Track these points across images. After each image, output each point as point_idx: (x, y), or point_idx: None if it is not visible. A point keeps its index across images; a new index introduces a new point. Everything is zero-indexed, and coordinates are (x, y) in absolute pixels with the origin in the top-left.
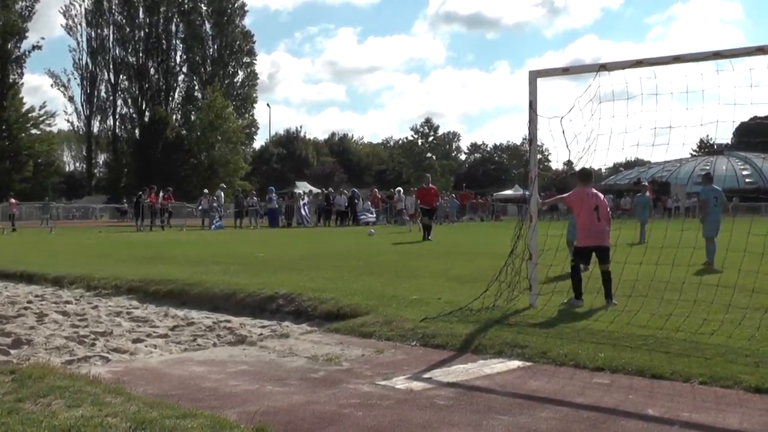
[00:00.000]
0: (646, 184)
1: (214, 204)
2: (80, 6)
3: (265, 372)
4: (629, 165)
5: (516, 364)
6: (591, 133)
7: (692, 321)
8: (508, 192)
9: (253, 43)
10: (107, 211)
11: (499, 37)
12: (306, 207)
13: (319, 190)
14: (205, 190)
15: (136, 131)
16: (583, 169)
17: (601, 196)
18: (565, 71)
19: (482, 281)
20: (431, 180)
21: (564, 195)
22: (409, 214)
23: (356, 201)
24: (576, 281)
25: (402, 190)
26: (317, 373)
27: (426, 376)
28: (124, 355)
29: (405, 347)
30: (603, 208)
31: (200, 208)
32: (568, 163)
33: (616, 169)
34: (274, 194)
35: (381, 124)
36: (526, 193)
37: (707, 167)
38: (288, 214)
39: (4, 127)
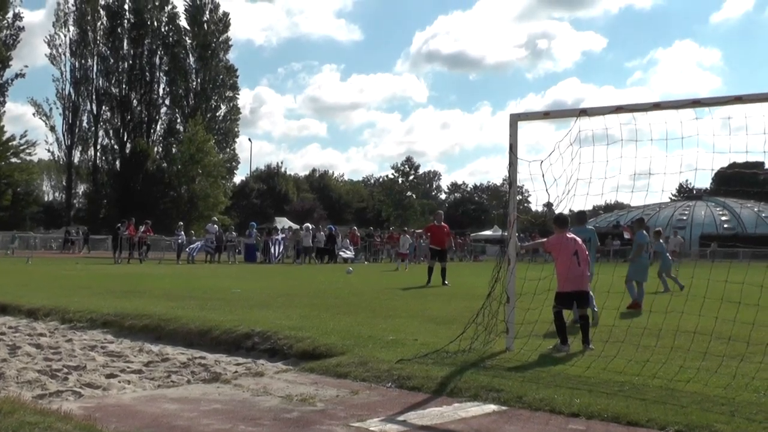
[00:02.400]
0: (625, 226)
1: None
2: (65, 36)
3: (239, 411)
4: (609, 208)
5: (491, 408)
6: (571, 176)
7: (669, 368)
8: (488, 232)
9: (237, 77)
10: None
11: (481, 77)
12: (281, 243)
13: (299, 226)
14: (180, 223)
15: (117, 162)
16: (560, 215)
17: (579, 240)
18: (546, 115)
19: (459, 323)
20: (441, 218)
21: (543, 240)
22: (401, 254)
23: (335, 238)
24: (560, 326)
25: (407, 231)
26: (291, 413)
27: (400, 418)
28: (96, 391)
29: (380, 389)
30: (582, 253)
31: (181, 241)
32: (548, 205)
33: (595, 212)
34: (254, 230)
35: (362, 162)
36: (505, 234)
37: (686, 212)
38: (266, 250)
39: None
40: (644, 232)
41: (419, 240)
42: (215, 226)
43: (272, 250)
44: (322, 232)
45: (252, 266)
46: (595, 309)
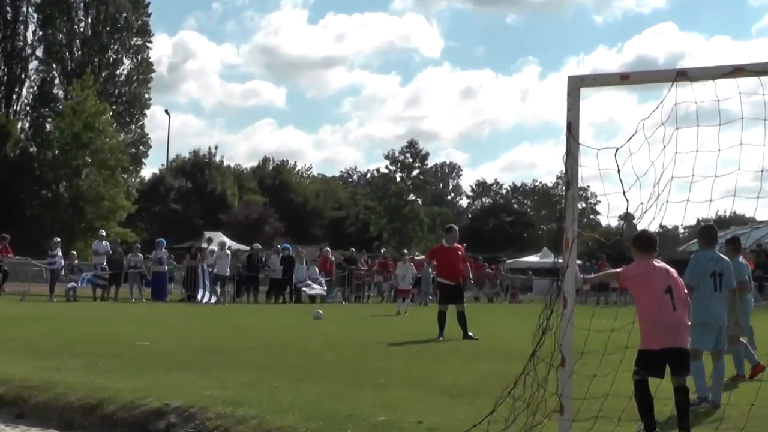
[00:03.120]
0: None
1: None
2: None
3: None
4: (721, 224)
5: None
6: (662, 174)
7: None
8: (532, 258)
9: (148, 15)
10: None
11: (524, 20)
12: (211, 272)
13: (240, 247)
14: (56, 239)
15: None
16: (644, 233)
17: (674, 272)
18: (624, 79)
19: (486, 396)
20: (453, 236)
21: (617, 270)
22: (400, 290)
23: (295, 264)
24: (643, 404)
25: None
26: None
27: None
28: None
29: None
30: (679, 290)
31: (56, 266)
32: (626, 217)
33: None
34: (164, 250)
35: (339, 148)
36: (559, 261)
37: None
38: (189, 282)
39: None
40: (742, 259)
41: (423, 269)
42: (104, 243)
43: (201, 282)
44: (276, 255)
45: (167, 306)
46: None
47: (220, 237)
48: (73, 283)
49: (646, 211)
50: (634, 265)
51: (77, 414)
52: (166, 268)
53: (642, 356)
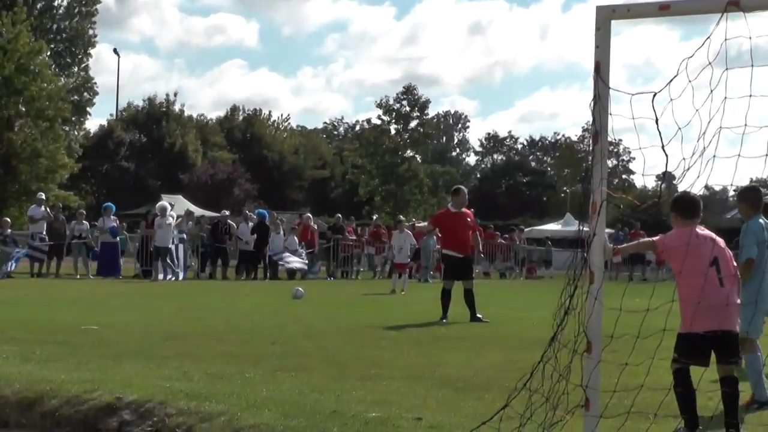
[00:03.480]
0: None
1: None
2: None
3: None
4: None
5: None
6: (708, 123)
7: None
8: (553, 226)
9: None
10: None
11: None
12: (181, 242)
13: (205, 213)
14: None
15: None
16: (685, 196)
17: (721, 242)
18: (664, 9)
19: (497, 389)
20: (458, 199)
21: (654, 238)
22: (397, 264)
23: (270, 233)
24: (684, 397)
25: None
26: None
27: None
28: None
29: None
30: (727, 263)
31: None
32: (665, 177)
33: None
34: (113, 217)
35: (322, 95)
36: (584, 229)
37: None
38: (144, 256)
39: None
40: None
41: (423, 239)
42: (43, 208)
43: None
44: (246, 222)
45: (118, 283)
46: None
47: (181, 202)
48: (5, 267)
49: (688, 169)
50: (674, 233)
51: (13, 410)
52: (118, 238)
53: (683, 341)
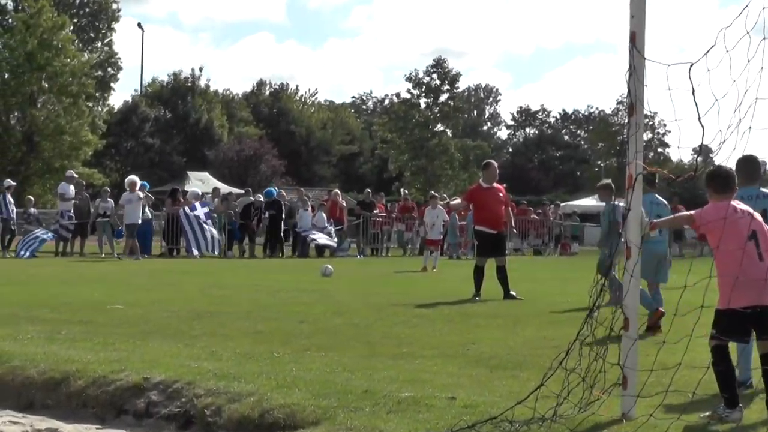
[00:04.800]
0: None
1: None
2: None
3: None
4: None
5: None
6: (744, 94)
7: None
8: (588, 201)
9: None
10: None
11: None
12: (207, 220)
13: (232, 190)
14: (8, 181)
15: None
16: (721, 169)
17: (758, 215)
18: None
19: (533, 368)
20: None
21: (688, 213)
22: (429, 241)
23: (298, 211)
24: (723, 375)
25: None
26: None
27: None
28: None
29: None
30: (765, 236)
31: (6, 215)
32: (702, 150)
33: None
34: (142, 192)
35: (350, 69)
36: (621, 204)
37: None
38: (171, 234)
39: None
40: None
41: (456, 215)
42: (71, 188)
43: (190, 233)
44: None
45: (145, 262)
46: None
47: (208, 179)
48: (32, 234)
49: (724, 141)
50: (711, 206)
51: (39, 392)
52: (150, 215)
53: (721, 317)
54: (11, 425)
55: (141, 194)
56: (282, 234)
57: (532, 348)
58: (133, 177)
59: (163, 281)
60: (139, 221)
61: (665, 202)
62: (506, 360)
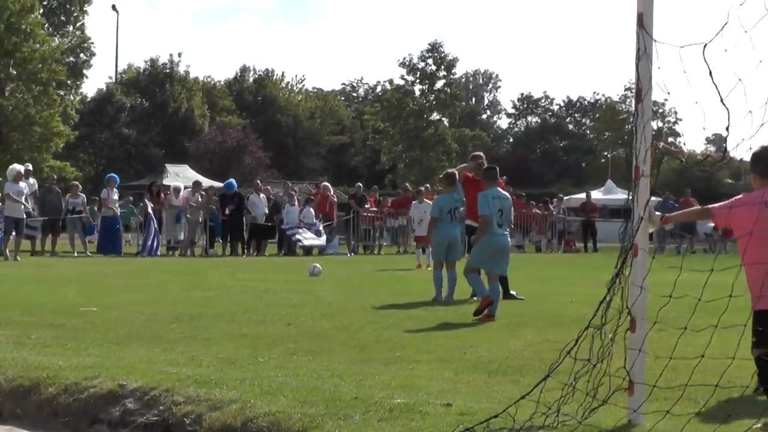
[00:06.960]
0: None
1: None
2: None
3: None
4: None
5: None
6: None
7: None
8: (595, 194)
9: None
10: None
11: None
12: (183, 215)
13: (213, 184)
14: None
15: None
16: (763, 152)
17: None
18: None
19: (533, 372)
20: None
21: (706, 206)
22: (418, 237)
23: (284, 206)
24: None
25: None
26: None
27: None
28: None
29: None
30: None
31: None
32: (728, 133)
33: None
34: (114, 190)
35: (340, 53)
36: (629, 198)
37: None
38: (148, 230)
39: None
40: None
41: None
42: (21, 185)
43: (152, 228)
44: (257, 194)
45: (120, 261)
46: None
47: (188, 173)
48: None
49: (762, 125)
50: (735, 199)
51: (6, 400)
52: (119, 212)
53: (754, 321)
54: None
55: (24, 187)
56: (244, 231)
57: (533, 351)
58: (17, 166)
59: (141, 282)
60: (23, 216)
61: (507, 195)
62: (506, 364)
